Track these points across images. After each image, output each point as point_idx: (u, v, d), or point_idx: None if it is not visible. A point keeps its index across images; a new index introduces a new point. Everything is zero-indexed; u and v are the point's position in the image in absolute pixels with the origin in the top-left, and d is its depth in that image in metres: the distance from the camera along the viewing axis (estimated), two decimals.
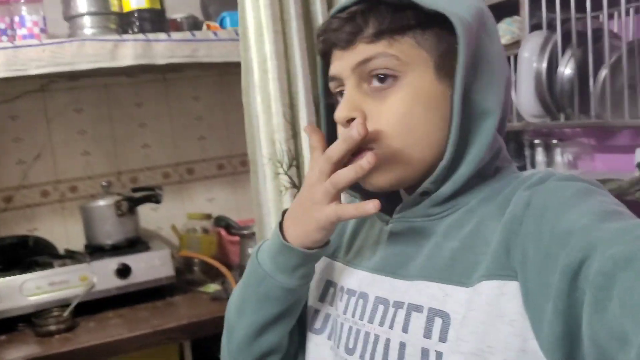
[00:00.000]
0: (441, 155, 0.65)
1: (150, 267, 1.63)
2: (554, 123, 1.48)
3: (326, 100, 0.76)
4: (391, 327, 0.65)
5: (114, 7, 1.62)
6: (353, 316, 0.71)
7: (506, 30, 1.61)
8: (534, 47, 1.44)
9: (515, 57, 1.52)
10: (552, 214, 0.56)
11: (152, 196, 1.69)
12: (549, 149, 1.69)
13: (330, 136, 0.74)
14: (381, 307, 0.68)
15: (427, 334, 0.61)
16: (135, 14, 1.60)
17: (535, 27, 1.48)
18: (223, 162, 2.03)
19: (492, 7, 1.67)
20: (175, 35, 1.59)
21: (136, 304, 1.59)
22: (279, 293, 0.72)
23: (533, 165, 1.73)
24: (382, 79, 0.65)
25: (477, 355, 0.57)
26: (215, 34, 1.64)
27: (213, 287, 1.67)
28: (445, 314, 0.61)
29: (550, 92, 1.42)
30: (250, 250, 1.60)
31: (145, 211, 1.80)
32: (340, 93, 0.70)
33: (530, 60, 1.44)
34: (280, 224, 0.72)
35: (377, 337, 0.66)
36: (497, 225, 0.61)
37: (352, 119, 0.65)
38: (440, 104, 0.65)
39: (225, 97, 2.00)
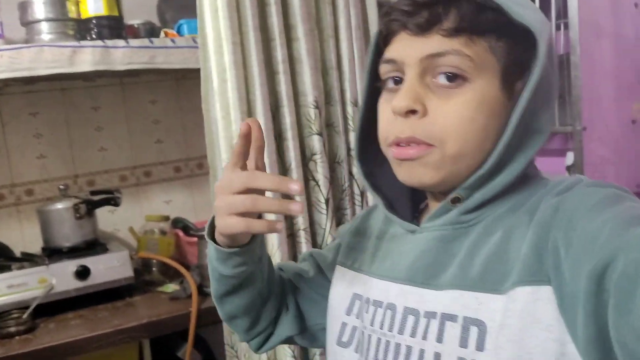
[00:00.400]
0: (482, 163, 0.64)
1: (109, 268, 1.66)
2: None
3: (369, 83, 0.72)
4: (424, 337, 0.63)
5: (72, 14, 1.64)
6: (381, 328, 0.69)
7: None
8: None
9: None
10: (580, 218, 0.56)
11: (111, 199, 1.72)
12: None
13: (366, 121, 0.73)
14: (411, 318, 0.66)
15: (463, 344, 0.60)
16: (94, 21, 1.63)
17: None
18: (180, 164, 2.07)
19: None
20: (134, 42, 1.63)
21: (96, 304, 1.62)
22: (218, 275, 0.75)
23: None
24: (451, 77, 0.62)
25: None
26: (173, 41, 1.68)
27: (172, 287, 1.71)
28: (480, 323, 0.60)
29: None
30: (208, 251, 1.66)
31: (102, 214, 1.82)
32: (393, 79, 0.67)
33: None
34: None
35: (409, 349, 0.65)
36: (527, 232, 0.61)
37: (413, 111, 0.63)
38: (499, 115, 0.63)
39: (182, 101, 2.04)
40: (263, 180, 0.64)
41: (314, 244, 1.39)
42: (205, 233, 0.74)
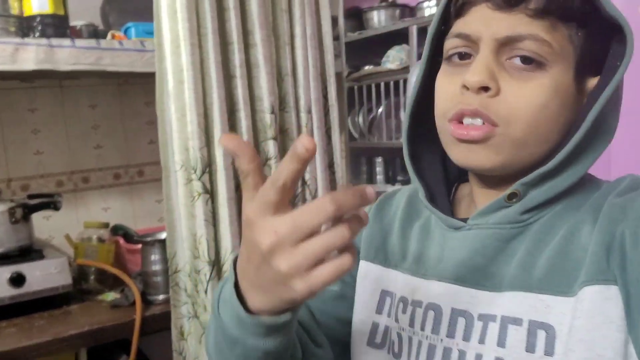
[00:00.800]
0: (544, 156, 0.62)
1: (46, 275, 1.59)
2: None
3: (429, 56, 0.67)
4: (481, 341, 0.60)
5: (14, 10, 1.59)
6: (423, 329, 0.64)
7: (395, 56, 1.79)
8: None
9: (405, 81, 1.70)
10: None
11: (51, 202, 1.65)
12: None
13: (420, 101, 0.68)
14: (462, 321, 0.62)
15: (530, 348, 0.57)
16: (38, 19, 1.58)
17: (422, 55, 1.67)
18: (120, 171, 2.02)
19: (384, 35, 1.86)
20: (80, 42, 1.59)
21: (31, 313, 1.55)
22: (259, 354, 0.55)
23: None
24: (527, 60, 0.58)
25: None
26: (120, 43, 1.65)
27: (111, 296, 1.66)
28: (549, 327, 0.57)
29: None
30: (153, 258, 1.62)
31: (36, 220, 1.74)
32: (461, 54, 0.62)
33: None
34: (236, 281, 0.54)
35: (462, 353, 0.61)
36: (592, 230, 0.58)
37: (486, 88, 0.58)
38: (569, 107, 0.61)
39: (124, 106, 2.00)
40: (348, 201, 0.45)
41: None
42: (238, 308, 0.53)
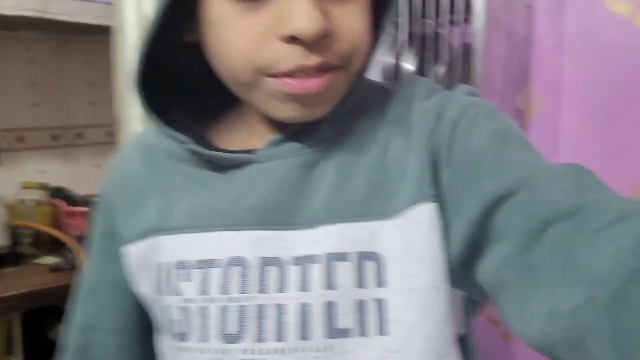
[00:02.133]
0: None
1: None
2: None
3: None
4: (304, 288, 0.49)
5: None
6: (225, 292, 0.50)
7: None
8: (384, 44, 1.64)
9: None
10: (466, 129, 0.49)
11: None
12: None
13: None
14: (273, 270, 0.50)
15: (361, 283, 0.48)
16: None
17: None
18: (57, 132, 1.91)
19: None
20: None
21: None
22: None
23: None
24: None
25: (436, 287, 0.49)
26: None
27: (49, 260, 1.57)
28: (376, 255, 0.49)
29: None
30: None
31: None
32: None
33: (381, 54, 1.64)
34: None
35: (281, 307, 0.49)
36: (407, 143, 0.52)
37: (324, 34, 0.46)
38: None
39: (64, 63, 1.88)
40: None
41: None
42: None
